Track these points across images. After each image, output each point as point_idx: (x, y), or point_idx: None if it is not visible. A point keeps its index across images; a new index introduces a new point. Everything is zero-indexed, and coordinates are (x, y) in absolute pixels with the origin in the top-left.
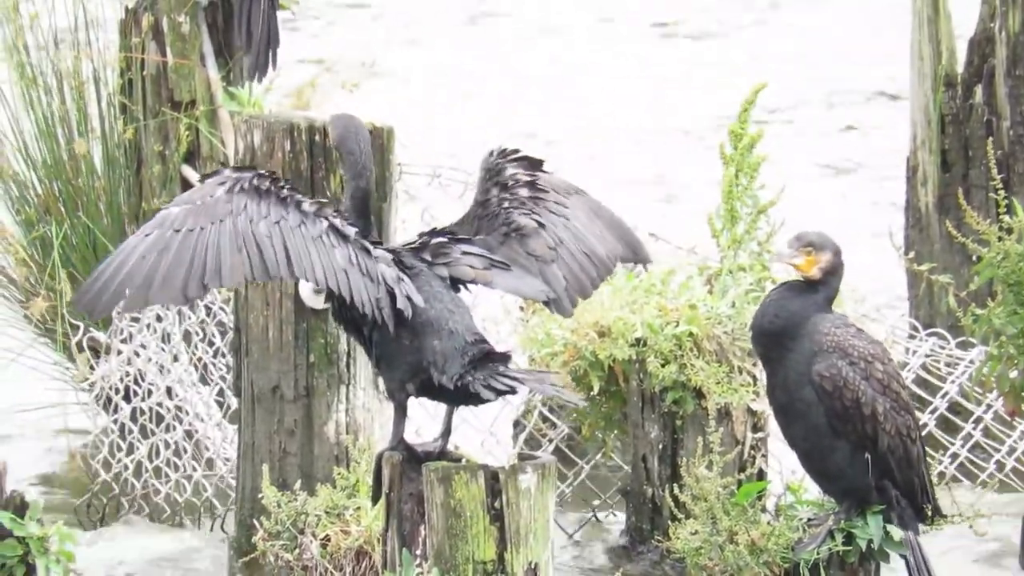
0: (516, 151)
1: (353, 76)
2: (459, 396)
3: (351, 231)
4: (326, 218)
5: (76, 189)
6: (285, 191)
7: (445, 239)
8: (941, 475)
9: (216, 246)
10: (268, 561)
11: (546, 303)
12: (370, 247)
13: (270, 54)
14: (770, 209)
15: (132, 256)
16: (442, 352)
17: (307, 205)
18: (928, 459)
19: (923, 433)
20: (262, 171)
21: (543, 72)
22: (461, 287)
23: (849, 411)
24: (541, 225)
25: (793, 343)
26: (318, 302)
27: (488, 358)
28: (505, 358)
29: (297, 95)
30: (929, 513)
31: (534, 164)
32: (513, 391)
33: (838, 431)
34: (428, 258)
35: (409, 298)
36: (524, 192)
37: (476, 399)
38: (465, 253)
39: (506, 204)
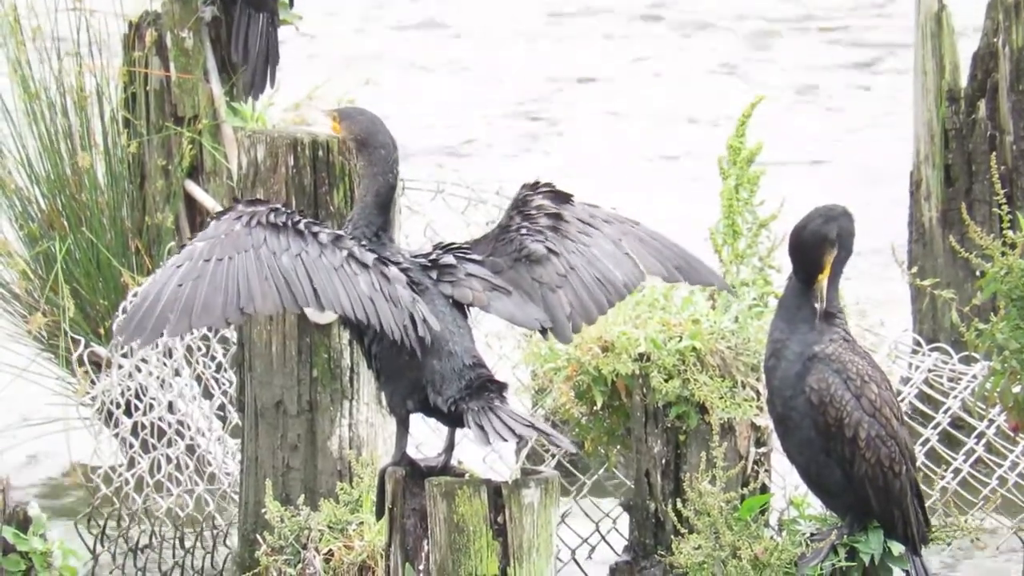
0: (548, 184)
1: (351, 90)
2: (452, 420)
3: (369, 257)
4: (343, 247)
5: (79, 204)
6: (302, 224)
7: (453, 260)
8: (944, 490)
9: (245, 274)
10: None
11: (541, 331)
12: (387, 271)
13: (268, 71)
14: (771, 223)
15: (168, 285)
16: (440, 373)
17: (323, 236)
18: (920, 494)
19: (917, 463)
20: (275, 205)
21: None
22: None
23: (831, 429)
24: (553, 252)
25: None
26: (322, 317)
27: (484, 387)
28: (501, 387)
29: (294, 108)
30: (917, 543)
31: (562, 197)
32: (503, 439)
33: (825, 447)
34: (434, 276)
35: (427, 323)
36: (544, 221)
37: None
38: (469, 275)
39: (523, 231)
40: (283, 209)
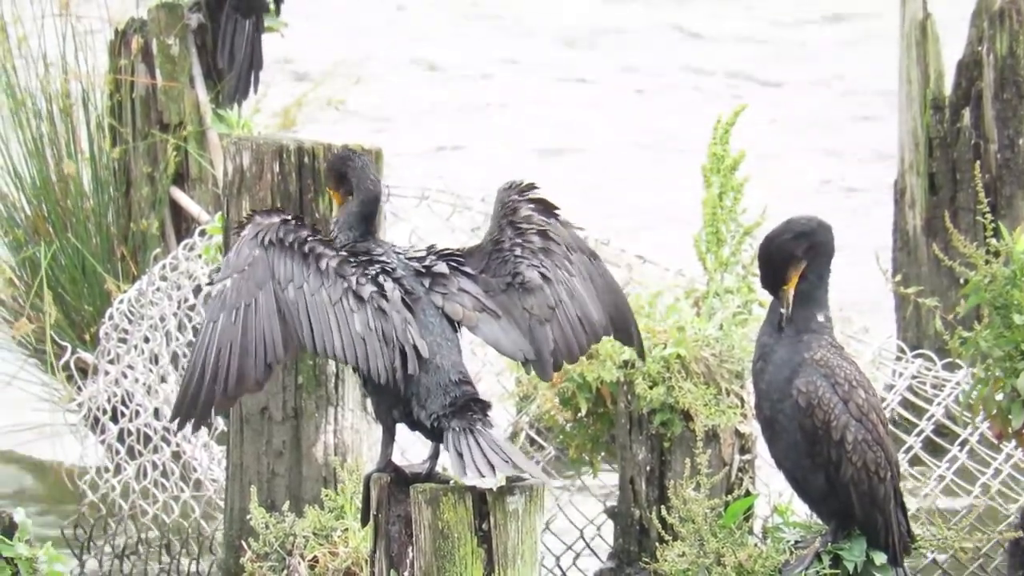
0: (532, 187)
1: (339, 92)
2: (434, 435)
3: (368, 291)
4: (344, 274)
5: (65, 210)
6: (308, 244)
7: (447, 270)
8: (926, 496)
9: (268, 320)
10: None
11: (523, 363)
12: (384, 303)
13: (252, 77)
14: (756, 231)
15: (210, 355)
16: (426, 386)
17: (326, 261)
18: (903, 503)
19: (900, 471)
20: (287, 216)
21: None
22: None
23: (818, 432)
24: (547, 280)
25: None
26: None
27: (468, 406)
28: (485, 407)
29: (284, 114)
30: (899, 552)
31: (549, 208)
32: (481, 475)
33: (812, 451)
34: (427, 283)
35: (417, 349)
36: (536, 241)
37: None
38: (461, 290)
39: (518, 252)
40: (294, 223)
